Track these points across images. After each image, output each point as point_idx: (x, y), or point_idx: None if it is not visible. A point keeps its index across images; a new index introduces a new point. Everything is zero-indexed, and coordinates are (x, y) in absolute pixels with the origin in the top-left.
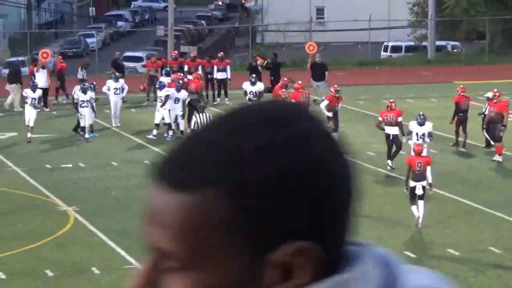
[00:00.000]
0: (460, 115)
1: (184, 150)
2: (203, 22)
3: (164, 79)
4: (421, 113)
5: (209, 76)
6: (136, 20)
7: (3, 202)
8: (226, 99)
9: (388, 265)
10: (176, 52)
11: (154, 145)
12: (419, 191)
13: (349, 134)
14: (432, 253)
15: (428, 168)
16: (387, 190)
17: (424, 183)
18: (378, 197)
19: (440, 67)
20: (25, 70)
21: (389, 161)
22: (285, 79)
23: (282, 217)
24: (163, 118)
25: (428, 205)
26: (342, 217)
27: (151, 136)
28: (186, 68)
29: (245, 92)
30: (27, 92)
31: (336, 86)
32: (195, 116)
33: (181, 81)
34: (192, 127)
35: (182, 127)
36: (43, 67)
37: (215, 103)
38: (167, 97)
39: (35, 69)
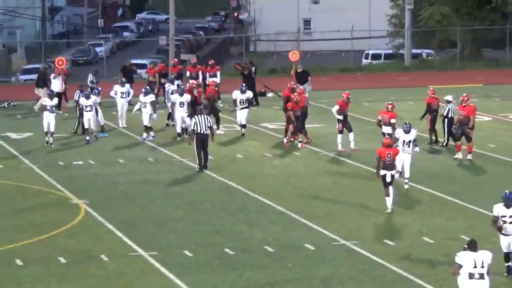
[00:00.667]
0: (434, 115)
1: None
2: (201, 32)
3: (172, 87)
4: (407, 122)
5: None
6: (141, 31)
7: (21, 196)
8: (219, 101)
9: None
10: (175, 60)
11: (157, 144)
12: (388, 179)
13: (333, 134)
14: (408, 241)
15: (397, 158)
16: (369, 184)
17: (393, 172)
18: (360, 190)
19: (416, 73)
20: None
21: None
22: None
23: None
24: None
25: (406, 198)
26: None
27: (150, 138)
28: (188, 74)
29: (234, 101)
30: (46, 100)
31: (347, 92)
32: (195, 118)
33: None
34: (192, 128)
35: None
36: (59, 74)
37: None
38: (153, 102)
39: (51, 76)
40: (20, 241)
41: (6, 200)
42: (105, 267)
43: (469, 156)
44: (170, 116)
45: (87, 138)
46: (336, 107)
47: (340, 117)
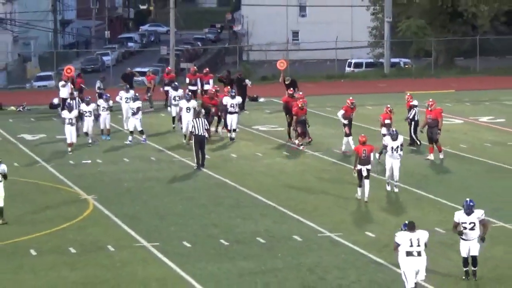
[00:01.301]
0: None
1: None
2: (199, 43)
3: (174, 93)
4: (394, 129)
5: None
6: (144, 41)
7: (35, 191)
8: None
9: None
10: (169, 68)
11: (159, 144)
12: (364, 173)
13: (319, 135)
14: (387, 233)
15: (371, 155)
16: (351, 181)
17: (368, 166)
18: (344, 187)
19: (394, 80)
20: (51, 83)
21: (377, 154)
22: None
23: None
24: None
25: (385, 192)
26: None
27: (142, 140)
28: (187, 80)
29: (225, 106)
30: (64, 113)
31: (351, 98)
32: (193, 121)
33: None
34: (190, 130)
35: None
36: (67, 82)
37: None
38: (138, 108)
39: (60, 83)
40: (34, 233)
41: (22, 196)
42: (111, 256)
43: (441, 155)
44: (175, 120)
45: (89, 141)
46: (341, 112)
47: (346, 122)
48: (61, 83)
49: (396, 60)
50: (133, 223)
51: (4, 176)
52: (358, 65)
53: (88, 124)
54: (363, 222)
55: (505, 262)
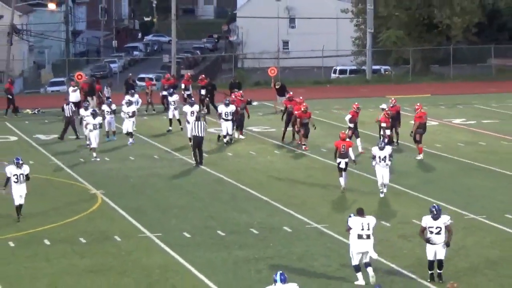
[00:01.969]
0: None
1: None
2: (198, 51)
3: (171, 98)
4: (381, 140)
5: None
6: (148, 50)
7: (48, 187)
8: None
9: None
10: (168, 74)
11: (161, 144)
12: (343, 165)
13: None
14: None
15: (350, 149)
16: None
17: (346, 160)
18: (329, 183)
19: (375, 85)
20: (63, 88)
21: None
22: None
23: None
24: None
25: (366, 188)
26: None
27: (131, 142)
28: (183, 86)
29: (219, 114)
30: (88, 119)
31: (357, 103)
32: (192, 124)
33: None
34: (189, 131)
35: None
36: (76, 87)
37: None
38: (134, 112)
39: (70, 89)
40: (48, 224)
41: (36, 191)
42: (118, 246)
43: (420, 156)
44: (171, 121)
45: (88, 142)
46: (349, 116)
47: (351, 125)
48: (71, 88)
49: (377, 67)
50: (138, 215)
51: (27, 177)
52: (342, 71)
53: (95, 137)
54: (346, 215)
55: (475, 251)
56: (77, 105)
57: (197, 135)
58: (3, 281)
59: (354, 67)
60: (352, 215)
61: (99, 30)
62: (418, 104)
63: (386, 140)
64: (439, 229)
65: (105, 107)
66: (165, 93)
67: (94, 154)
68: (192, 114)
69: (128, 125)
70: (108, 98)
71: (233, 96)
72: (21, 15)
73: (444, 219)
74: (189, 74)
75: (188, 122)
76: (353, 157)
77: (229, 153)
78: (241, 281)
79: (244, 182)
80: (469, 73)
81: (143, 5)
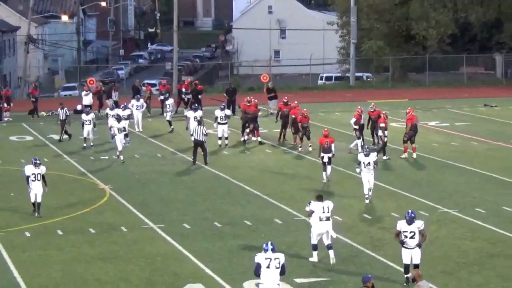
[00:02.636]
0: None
1: None
2: (197, 60)
3: (167, 102)
4: (366, 147)
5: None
6: (152, 58)
7: (61, 182)
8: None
9: None
10: (164, 80)
11: (164, 143)
12: (326, 159)
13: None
14: (352, 217)
15: (332, 145)
16: (320, 173)
17: (329, 154)
18: (315, 179)
19: (358, 91)
20: (75, 92)
21: (383, 157)
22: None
23: None
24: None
25: (349, 184)
26: None
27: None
28: (184, 90)
29: (216, 117)
30: (113, 123)
31: (360, 107)
32: (193, 128)
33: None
34: (191, 133)
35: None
36: (88, 91)
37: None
38: (129, 115)
39: (83, 93)
40: (60, 216)
41: (50, 186)
42: (124, 236)
43: (414, 155)
44: (170, 123)
45: (84, 145)
46: (353, 120)
47: (356, 127)
48: (84, 92)
49: (360, 74)
50: (142, 208)
51: (43, 177)
52: (328, 78)
53: (87, 130)
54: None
55: (448, 241)
56: (90, 107)
57: (197, 138)
58: (20, 267)
59: (339, 74)
60: (311, 201)
61: (108, 40)
62: (409, 108)
63: (384, 141)
64: (412, 233)
65: (108, 111)
66: (162, 97)
67: (121, 157)
68: (195, 119)
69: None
70: (115, 102)
71: (246, 102)
72: (37, 26)
73: (418, 224)
74: (189, 80)
75: (187, 128)
76: (333, 152)
77: (225, 152)
78: (235, 268)
79: (238, 178)
80: (443, 80)
81: (148, 18)
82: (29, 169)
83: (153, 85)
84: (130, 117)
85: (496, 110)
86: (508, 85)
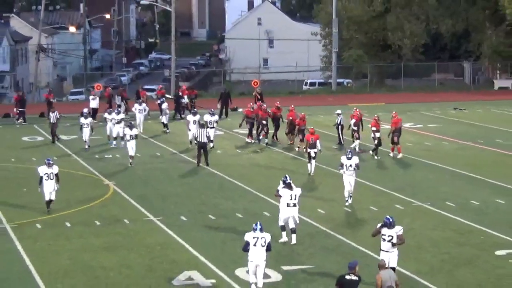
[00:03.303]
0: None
1: None
2: (193, 67)
3: (163, 106)
4: (349, 150)
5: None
6: (152, 66)
7: (69, 179)
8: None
9: None
10: (160, 86)
11: (163, 143)
12: (312, 154)
13: (283, 138)
14: (333, 210)
15: (317, 141)
16: (305, 171)
17: (315, 150)
18: (302, 175)
19: (339, 95)
20: (81, 97)
21: (371, 152)
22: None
23: None
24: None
25: (331, 180)
26: None
27: (114, 144)
28: (180, 94)
29: (206, 122)
30: (126, 130)
31: (358, 109)
32: (197, 131)
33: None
34: (193, 136)
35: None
36: (95, 95)
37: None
38: (122, 119)
39: (90, 97)
40: (68, 209)
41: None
42: (126, 227)
43: (400, 155)
44: (166, 125)
45: (86, 147)
46: (353, 121)
47: (355, 128)
48: (91, 96)
49: (341, 80)
50: (143, 202)
51: (56, 176)
52: (312, 84)
53: (86, 133)
54: (315, 202)
55: (421, 232)
56: (95, 111)
57: (200, 141)
58: (31, 256)
59: (322, 80)
60: (283, 186)
61: (112, 49)
62: (394, 112)
63: (376, 142)
64: (391, 237)
65: (107, 115)
66: (159, 101)
67: (131, 162)
68: (194, 123)
69: (116, 130)
70: (119, 106)
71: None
72: (47, 36)
73: (397, 229)
74: (185, 85)
75: (189, 129)
76: (319, 147)
77: (219, 151)
78: (227, 256)
79: (231, 175)
80: (417, 85)
81: (148, 29)
82: (42, 169)
83: (152, 90)
84: (123, 120)
85: (464, 113)
86: (476, 90)
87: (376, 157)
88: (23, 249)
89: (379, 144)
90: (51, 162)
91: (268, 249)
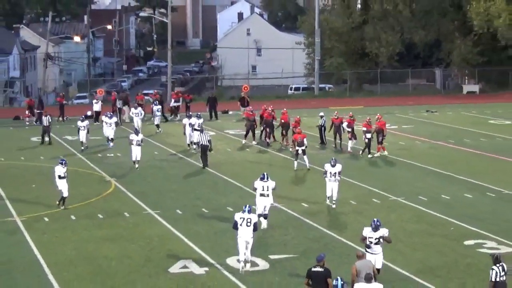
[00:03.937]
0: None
1: None
2: (187, 73)
3: (155, 108)
4: (333, 158)
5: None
6: (150, 72)
7: (76, 176)
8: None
9: None
10: (155, 91)
11: (160, 143)
12: (300, 151)
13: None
14: (317, 204)
15: (304, 139)
16: (291, 168)
17: (303, 147)
18: (288, 173)
19: (322, 99)
20: (85, 101)
21: (369, 156)
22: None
23: None
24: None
25: (315, 177)
26: None
27: (111, 145)
28: (173, 99)
29: (195, 125)
30: (132, 136)
31: (351, 113)
32: (199, 134)
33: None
34: (195, 141)
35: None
36: (98, 99)
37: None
38: (116, 123)
39: (94, 101)
40: (74, 204)
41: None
42: (127, 220)
43: (385, 152)
44: (158, 127)
45: (82, 148)
46: (346, 124)
47: (349, 129)
48: (94, 100)
49: (323, 85)
50: (142, 197)
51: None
52: (297, 89)
53: (82, 135)
54: (300, 197)
55: (397, 224)
56: (98, 114)
57: (203, 143)
58: (39, 246)
59: (306, 85)
60: (259, 179)
61: (113, 57)
62: (379, 114)
63: (366, 142)
64: (377, 240)
65: (104, 118)
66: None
67: (136, 166)
68: (190, 126)
69: (110, 132)
70: (120, 109)
71: (249, 109)
72: (54, 45)
73: (383, 232)
74: (179, 89)
75: (184, 133)
76: (306, 144)
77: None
78: (220, 247)
79: (223, 172)
80: (392, 90)
81: (146, 38)
82: (59, 169)
83: (138, 94)
84: (117, 124)
85: (436, 115)
86: (446, 94)
87: (370, 155)
88: (32, 241)
89: (369, 144)
90: (65, 161)
91: (255, 229)
